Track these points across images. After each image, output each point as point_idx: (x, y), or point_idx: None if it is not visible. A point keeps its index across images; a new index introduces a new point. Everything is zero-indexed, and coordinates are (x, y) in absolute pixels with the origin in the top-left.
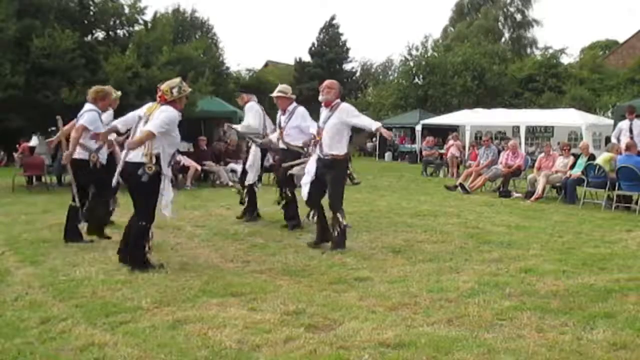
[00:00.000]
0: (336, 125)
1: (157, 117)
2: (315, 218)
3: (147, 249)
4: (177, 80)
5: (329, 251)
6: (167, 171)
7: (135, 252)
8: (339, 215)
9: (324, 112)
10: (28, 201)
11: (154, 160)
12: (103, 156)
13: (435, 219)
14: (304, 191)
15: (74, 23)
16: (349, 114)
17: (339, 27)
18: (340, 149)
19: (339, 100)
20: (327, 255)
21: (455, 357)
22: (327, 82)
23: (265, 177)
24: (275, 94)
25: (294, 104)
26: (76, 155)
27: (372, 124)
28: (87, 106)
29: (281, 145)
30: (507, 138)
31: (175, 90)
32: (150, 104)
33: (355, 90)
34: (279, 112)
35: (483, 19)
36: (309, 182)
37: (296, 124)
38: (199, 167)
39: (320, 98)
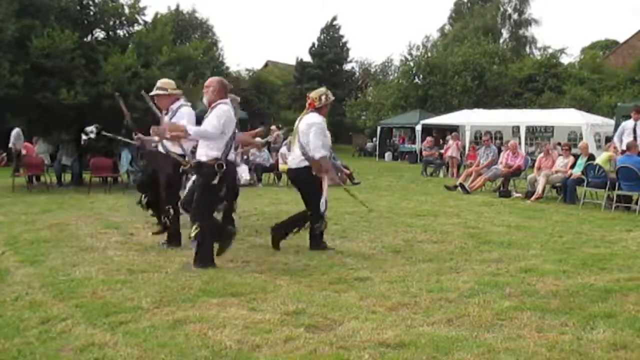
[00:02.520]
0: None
1: (308, 129)
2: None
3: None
4: (323, 89)
5: (192, 266)
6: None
7: (315, 236)
8: (197, 225)
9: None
10: (28, 201)
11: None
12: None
13: (435, 219)
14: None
15: (74, 23)
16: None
17: (340, 27)
18: (208, 154)
19: (220, 100)
20: (326, 255)
21: (455, 357)
22: (207, 80)
23: (265, 177)
24: (154, 92)
25: (180, 101)
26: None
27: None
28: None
29: (160, 149)
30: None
31: (323, 98)
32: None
33: (355, 90)
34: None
35: (480, 18)
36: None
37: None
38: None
39: (203, 100)
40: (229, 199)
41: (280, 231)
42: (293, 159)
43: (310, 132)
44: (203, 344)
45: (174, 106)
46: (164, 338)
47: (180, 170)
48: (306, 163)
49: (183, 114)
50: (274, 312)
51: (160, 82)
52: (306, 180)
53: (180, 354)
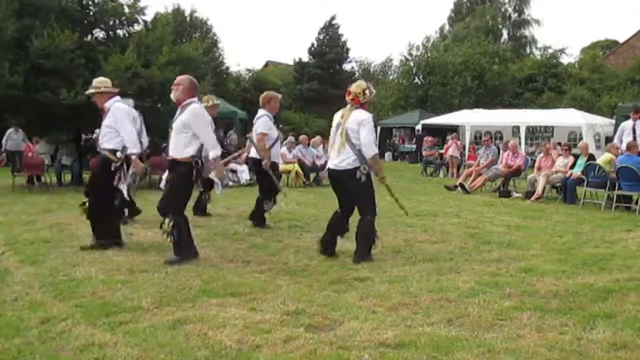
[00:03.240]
0: (179, 127)
1: (362, 127)
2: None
3: (375, 240)
4: (363, 82)
5: (172, 258)
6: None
7: (365, 245)
8: (168, 219)
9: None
10: (28, 201)
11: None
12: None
13: (435, 219)
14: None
15: (74, 23)
16: (195, 120)
17: (339, 27)
18: (183, 153)
19: (191, 99)
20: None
21: (455, 357)
22: (177, 78)
23: None
24: (89, 91)
25: (115, 98)
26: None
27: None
28: (260, 112)
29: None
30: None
31: (367, 92)
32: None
33: None
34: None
35: (480, 18)
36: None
37: (108, 122)
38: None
39: (171, 96)
40: (205, 192)
41: (332, 238)
42: (342, 160)
43: (363, 130)
44: (203, 344)
45: (108, 104)
46: (164, 338)
47: (112, 167)
48: (357, 164)
49: (113, 112)
50: (274, 312)
51: (96, 81)
52: (358, 181)
53: (180, 354)
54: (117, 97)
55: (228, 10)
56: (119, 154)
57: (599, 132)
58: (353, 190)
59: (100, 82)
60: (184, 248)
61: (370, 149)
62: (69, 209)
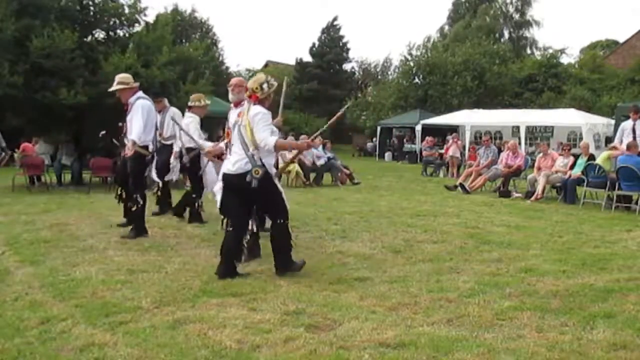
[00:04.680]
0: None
1: (254, 122)
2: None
3: (292, 246)
4: (262, 75)
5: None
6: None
7: (284, 254)
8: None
9: (232, 112)
10: (28, 201)
11: (258, 163)
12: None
13: (435, 219)
14: (217, 198)
15: (74, 23)
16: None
17: (341, 28)
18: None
19: (139, 95)
20: (326, 255)
21: (455, 357)
22: (121, 76)
23: None
24: (117, 87)
25: (138, 94)
26: None
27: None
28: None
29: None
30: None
31: (265, 86)
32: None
33: (355, 90)
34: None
35: (481, 18)
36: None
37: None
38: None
39: (230, 97)
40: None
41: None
42: (234, 162)
43: (255, 125)
44: (203, 344)
45: (132, 99)
46: (164, 338)
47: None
48: (249, 167)
49: (137, 107)
50: (274, 312)
51: (120, 77)
52: (260, 184)
53: (180, 354)
54: (140, 93)
55: (228, 10)
56: (150, 148)
57: (598, 132)
58: (254, 194)
59: (127, 78)
60: (140, 227)
61: (268, 141)
62: (69, 209)
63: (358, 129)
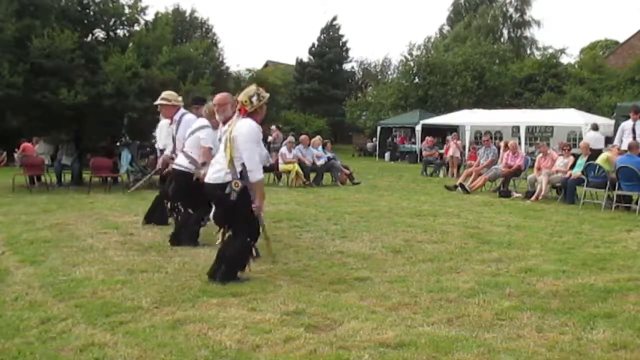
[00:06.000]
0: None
1: (243, 142)
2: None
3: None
4: (253, 87)
5: None
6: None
7: (231, 267)
8: None
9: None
10: (28, 201)
11: (238, 176)
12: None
13: (435, 219)
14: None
15: (74, 23)
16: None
17: (340, 27)
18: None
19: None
20: (326, 255)
21: (455, 357)
22: (219, 98)
23: (265, 177)
24: (158, 101)
25: (181, 110)
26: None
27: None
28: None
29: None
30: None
31: (254, 99)
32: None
33: (355, 90)
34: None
35: (480, 18)
36: None
37: (183, 134)
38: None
39: (217, 118)
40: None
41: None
42: (215, 171)
43: (244, 146)
44: (203, 344)
45: (177, 116)
46: (164, 338)
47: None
48: (229, 178)
49: (187, 121)
50: (274, 312)
51: (165, 94)
52: (228, 197)
53: (180, 354)
54: (183, 110)
55: (228, 10)
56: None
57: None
58: (226, 207)
59: (172, 96)
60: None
61: (256, 172)
62: (69, 209)
63: (358, 129)
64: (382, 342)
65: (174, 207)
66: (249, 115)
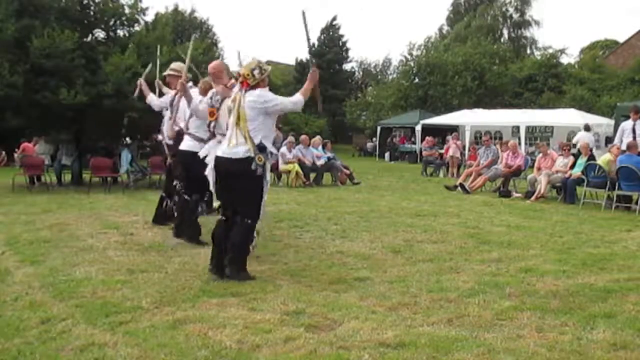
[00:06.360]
0: None
1: (268, 104)
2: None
3: (251, 250)
4: (254, 60)
5: None
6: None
7: (239, 258)
8: None
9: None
10: (28, 201)
11: (258, 150)
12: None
13: (435, 219)
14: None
15: (74, 23)
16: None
17: (340, 27)
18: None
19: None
20: (326, 255)
21: (455, 357)
22: (213, 66)
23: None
24: (167, 72)
25: (189, 83)
26: None
27: None
28: None
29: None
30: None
31: (256, 72)
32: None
33: (355, 90)
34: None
35: (480, 18)
36: None
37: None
38: None
39: (215, 88)
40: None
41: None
42: (234, 147)
43: (272, 103)
44: (203, 344)
45: None
46: (164, 338)
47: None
48: (251, 154)
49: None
50: (274, 312)
51: (174, 65)
52: (252, 174)
53: (180, 354)
54: (190, 82)
55: (228, 10)
56: None
57: (598, 132)
58: (240, 185)
59: (181, 67)
60: None
61: (295, 99)
62: (69, 209)
63: (358, 129)
64: (382, 342)
65: (170, 194)
66: (251, 89)
